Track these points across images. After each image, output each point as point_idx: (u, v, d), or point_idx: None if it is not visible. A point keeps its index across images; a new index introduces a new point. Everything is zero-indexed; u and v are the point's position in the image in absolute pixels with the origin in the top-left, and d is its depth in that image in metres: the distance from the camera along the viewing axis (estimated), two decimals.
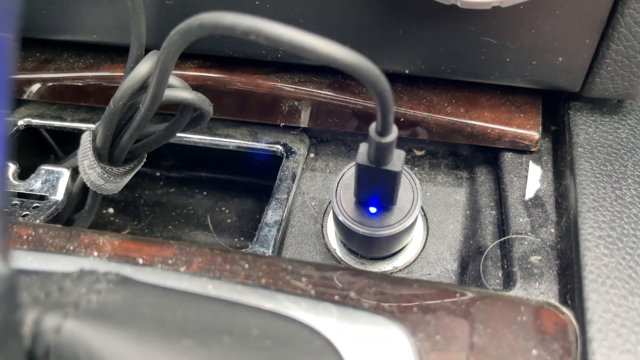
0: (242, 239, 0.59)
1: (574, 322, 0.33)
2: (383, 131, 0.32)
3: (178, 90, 0.35)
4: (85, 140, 0.39)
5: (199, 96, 0.36)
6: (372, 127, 0.32)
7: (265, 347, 0.26)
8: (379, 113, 0.30)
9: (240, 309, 0.29)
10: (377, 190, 0.38)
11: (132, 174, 0.43)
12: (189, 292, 0.30)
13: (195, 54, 0.51)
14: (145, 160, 0.44)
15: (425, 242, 0.48)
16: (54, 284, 0.28)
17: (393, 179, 0.36)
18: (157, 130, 0.42)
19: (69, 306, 0.26)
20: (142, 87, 0.35)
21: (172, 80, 0.36)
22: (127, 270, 0.32)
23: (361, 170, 0.36)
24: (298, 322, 0.29)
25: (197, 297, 0.30)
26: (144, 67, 0.34)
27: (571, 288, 0.37)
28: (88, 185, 0.43)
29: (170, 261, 0.34)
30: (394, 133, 0.32)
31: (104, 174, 0.40)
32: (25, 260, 0.34)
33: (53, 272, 0.29)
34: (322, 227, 0.49)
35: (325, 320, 0.30)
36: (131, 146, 0.40)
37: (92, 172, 0.40)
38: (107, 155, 0.40)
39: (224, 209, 0.60)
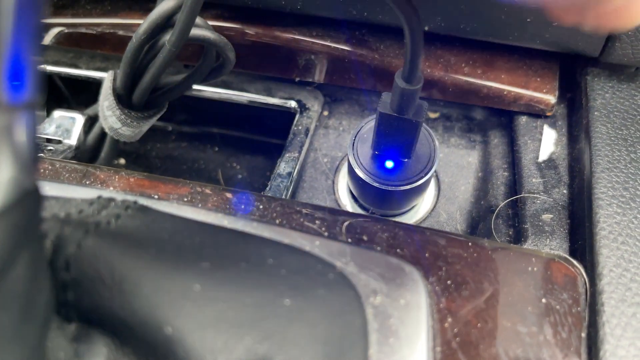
0: None
1: (584, 274, 0.33)
2: (410, 77, 0.31)
3: (203, 29, 0.35)
4: (107, 80, 0.39)
5: (222, 38, 0.36)
6: (398, 73, 0.32)
7: (281, 275, 0.27)
8: (407, 55, 0.30)
9: (257, 240, 0.29)
10: (395, 142, 0.38)
11: (151, 121, 0.43)
12: (206, 223, 0.30)
13: (214, 3, 0.50)
14: (165, 109, 0.44)
15: (436, 202, 0.48)
16: (73, 207, 0.28)
17: (414, 129, 0.36)
18: (177, 80, 0.42)
19: (90, 225, 0.26)
20: (167, 25, 0.35)
21: (197, 19, 0.35)
22: (144, 202, 0.32)
23: (382, 118, 0.36)
24: (313, 255, 0.29)
25: (214, 227, 0.30)
26: (171, 2, 0.34)
27: (582, 245, 0.37)
28: (106, 130, 0.43)
29: (185, 199, 0.35)
30: (420, 81, 0.32)
31: (121, 115, 0.40)
32: (43, 189, 0.34)
33: (72, 197, 0.29)
34: (334, 183, 0.49)
35: (339, 258, 0.30)
36: (151, 91, 0.40)
37: (110, 113, 0.40)
38: (127, 97, 0.40)
39: (235, 164, 0.60)
